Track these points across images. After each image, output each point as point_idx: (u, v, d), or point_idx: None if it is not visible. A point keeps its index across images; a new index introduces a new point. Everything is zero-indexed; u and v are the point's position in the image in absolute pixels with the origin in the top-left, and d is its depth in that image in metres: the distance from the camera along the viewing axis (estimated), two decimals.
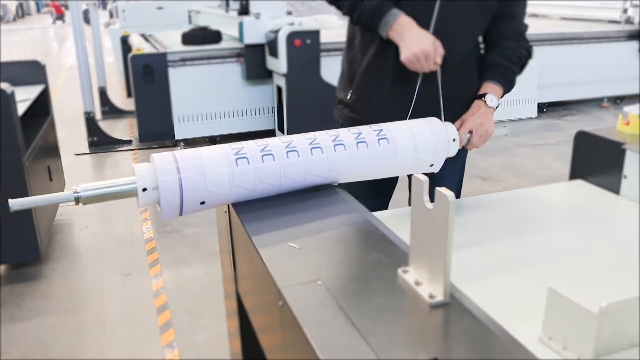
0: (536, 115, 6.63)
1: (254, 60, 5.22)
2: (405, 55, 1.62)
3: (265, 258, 1.12)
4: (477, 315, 0.89)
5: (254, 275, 1.25)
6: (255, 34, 5.12)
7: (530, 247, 1.41)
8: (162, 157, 1.28)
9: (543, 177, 4.48)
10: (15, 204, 1.18)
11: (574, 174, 1.89)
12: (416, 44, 1.60)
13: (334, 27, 4.95)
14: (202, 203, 1.30)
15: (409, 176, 1.76)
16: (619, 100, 7.25)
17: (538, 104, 6.63)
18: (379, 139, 1.46)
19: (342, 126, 1.96)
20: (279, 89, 5.18)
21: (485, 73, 1.81)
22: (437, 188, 0.88)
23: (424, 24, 1.66)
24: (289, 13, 5.57)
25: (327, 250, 1.15)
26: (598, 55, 6.71)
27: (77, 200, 1.22)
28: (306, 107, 4.94)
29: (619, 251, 1.40)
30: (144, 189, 1.25)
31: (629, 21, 7.24)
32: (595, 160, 1.83)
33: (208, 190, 1.29)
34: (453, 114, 1.72)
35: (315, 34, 4.95)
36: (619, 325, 0.97)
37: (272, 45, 4.96)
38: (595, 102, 7.31)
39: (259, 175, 1.34)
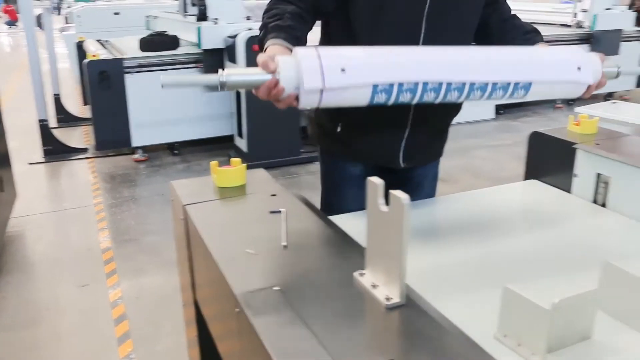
0: (494, 117, 6.76)
1: (212, 66, 5.17)
2: None
3: (221, 264, 1.10)
4: (433, 315, 0.90)
5: (211, 283, 1.23)
6: (213, 40, 5.08)
7: (485, 246, 1.43)
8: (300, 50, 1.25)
9: (500, 178, 4.56)
10: (167, 80, 1.18)
11: (529, 174, 1.93)
12: None
13: None
14: (343, 70, 1.21)
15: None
16: (571, 102, 7.44)
17: (495, 105, 6.76)
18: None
19: (326, 158, 1.94)
20: (238, 94, 5.15)
21: (522, 42, 1.67)
22: (391, 191, 0.88)
23: (412, 41, 1.57)
24: (248, 18, 5.53)
25: (284, 255, 1.14)
26: None
27: (223, 85, 1.20)
28: (265, 112, 4.92)
29: (571, 248, 1.43)
30: (285, 61, 1.22)
31: (579, 25, 7.46)
32: (548, 160, 1.87)
33: (344, 55, 1.25)
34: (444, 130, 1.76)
35: None
36: (570, 320, 0.99)
37: (231, 50, 4.94)
38: (549, 104, 7.51)
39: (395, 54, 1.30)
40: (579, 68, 1.37)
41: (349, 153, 1.78)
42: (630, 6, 7.90)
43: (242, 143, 5.22)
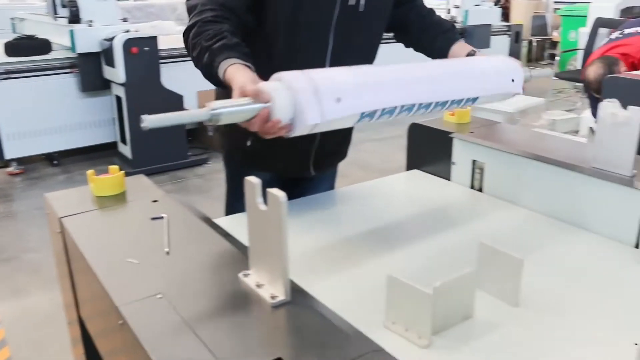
0: None
1: (89, 71, 4.94)
2: None
3: (101, 277, 1.06)
4: (319, 310, 0.90)
5: (93, 297, 1.17)
6: (88, 43, 4.84)
7: (372, 236, 1.47)
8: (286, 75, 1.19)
9: (387, 169, 4.69)
10: (149, 121, 1.03)
11: (411, 164, 2.00)
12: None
13: (172, 33, 4.82)
14: (338, 100, 1.18)
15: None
16: None
17: None
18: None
19: (231, 163, 1.87)
20: (119, 99, 4.95)
21: (442, 41, 1.73)
22: (269, 190, 0.87)
23: (318, 63, 1.56)
24: (125, 20, 5.33)
25: (167, 261, 1.10)
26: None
27: (216, 120, 1.11)
28: None
29: (451, 232, 1.49)
30: (276, 89, 1.15)
31: (453, 20, 7.84)
32: (428, 150, 1.94)
33: (336, 82, 1.21)
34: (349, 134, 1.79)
35: (152, 41, 4.79)
36: (452, 301, 1.03)
37: (108, 53, 4.73)
38: None
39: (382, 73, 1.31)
40: (512, 80, 1.53)
41: (258, 164, 1.70)
42: (496, 3, 8.44)
43: (126, 149, 5.03)
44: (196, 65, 1.42)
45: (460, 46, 1.71)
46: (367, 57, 1.70)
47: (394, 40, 1.86)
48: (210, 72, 1.35)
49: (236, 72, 1.28)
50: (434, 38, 1.75)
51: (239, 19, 1.46)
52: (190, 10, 1.48)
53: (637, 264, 1.30)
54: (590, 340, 1.04)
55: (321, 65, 1.56)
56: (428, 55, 1.78)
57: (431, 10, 1.82)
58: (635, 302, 1.16)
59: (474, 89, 1.44)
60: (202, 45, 1.37)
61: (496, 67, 1.52)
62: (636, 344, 0.79)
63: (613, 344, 1.01)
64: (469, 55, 1.67)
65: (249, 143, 1.68)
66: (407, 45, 1.85)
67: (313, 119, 1.15)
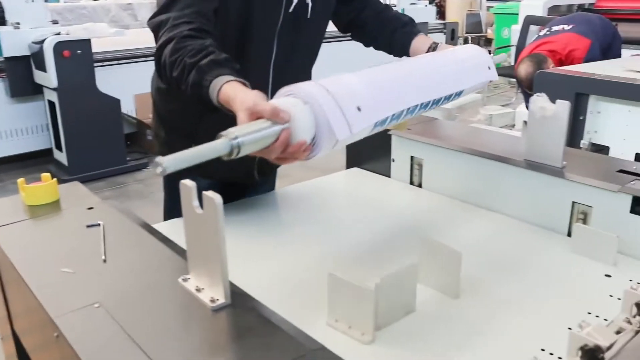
0: None
1: (18, 75, 4.75)
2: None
3: (34, 288, 1.02)
4: (260, 311, 0.90)
5: (27, 310, 1.13)
6: (16, 46, 4.66)
7: (313, 235, 1.47)
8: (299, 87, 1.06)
9: (327, 169, 4.71)
10: (168, 162, 0.87)
11: (350, 162, 2.01)
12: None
13: (106, 36, 4.70)
14: (359, 109, 1.07)
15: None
16: None
17: None
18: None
19: (170, 178, 1.77)
20: (52, 105, 4.79)
21: (402, 35, 1.69)
22: (204, 193, 0.86)
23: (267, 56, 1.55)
24: (55, 22, 5.16)
25: (104, 269, 1.07)
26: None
27: (238, 151, 0.95)
28: (84, 122, 4.65)
29: (392, 228, 1.51)
30: (294, 106, 1.02)
31: None
32: (367, 148, 1.96)
33: (352, 89, 1.09)
34: None
35: (85, 43, 4.65)
36: (394, 296, 1.04)
37: (38, 57, 4.57)
38: None
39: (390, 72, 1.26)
40: (489, 67, 1.52)
41: (200, 171, 1.63)
42: (431, 1, 8.63)
43: (61, 156, 4.87)
44: (177, 85, 1.29)
45: (421, 40, 1.68)
46: (311, 56, 1.71)
47: (337, 39, 1.86)
48: (198, 92, 1.22)
49: (236, 90, 1.14)
50: (392, 33, 1.71)
51: (213, 28, 1.36)
52: (159, 26, 1.34)
53: (570, 252, 1.35)
54: (528, 327, 1.07)
55: (266, 67, 1.55)
56: (388, 52, 1.76)
57: (387, 6, 1.79)
58: (570, 289, 1.21)
59: (462, 82, 1.43)
60: (185, 62, 1.24)
61: (473, 57, 1.52)
62: (570, 329, 0.82)
63: (549, 330, 1.05)
64: (431, 47, 1.64)
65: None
66: (366, 44, 1.82)
67: (342, 133, 1.02)
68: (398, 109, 1.20)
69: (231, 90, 1.14)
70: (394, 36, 1.71)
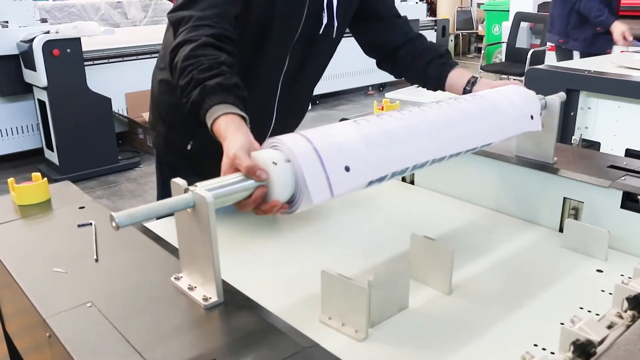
0: (310, 107, 6.98)
1: (7, 75, 4.72)
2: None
3: (26, 288, 1.01)
4: (253, 309, 0.90)
5: (19, 311, 1.13)
6: (4, 45, 4.62)
7: (305, 232, 1.47)
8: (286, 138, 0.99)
9: None
10: (122, 218, 0.82)
11: None
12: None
13: (96, 34, 4.67)
14: (347, 169, 1.00)
15: None
16: (382, 88, 7.97)
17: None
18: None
19: (165, 168, 1.78)
20: (42, 104, 4.76)
21: (438, 68, 1.59)
22: (196, 190, 0.86)
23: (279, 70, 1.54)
24: (44, 20, 5.13)
25: (96, 269, 1.07)
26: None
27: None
28: (75, 121, 4.62)
29: (386, 224, 1.52)
30: (274, 163, 0.95)
31: None
32: None
33: (344, 149, 1.01)
34: None
35: (75, 42, 4.62)
36: (387, 293, 1.04)
37: (28, 56, 4.54)
38: (362, 91, 7.96)
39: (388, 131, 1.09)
40: (532, 117, 1.37)
41: (196, 170, 1.53)
42: None
43: (52, 156, 4.84)
44: (180, 94, 1.23)
45: (458, 73, 1.56)
46: (320, 71, 1.71)
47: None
48: (196, 112, 1.17)
49: (228, 130, 1.08)
50: (426, 64, 1.60)
51: (234, 33, 1.32)
52: (179, 22, 1.30)
53: (561, 247, 1.36)
54: (520, 323, 1.07)
55: (276, 78, 1.55)
56: (421, 85, 1.67)
57: (420, 35, 1.69)
58: (561, 284, 1.21)
59: (493, 135, 1.28)
60: (194, 76, 1.18)
61: (514, 103, 1.34)
62: (562, 324, 0.82)
63: (541, 325, 1.05)
64: (470, 82, 1.52)
65: (189, 147, 1.61)
66: (396, 75, 1.72)
67: (319, 197, 0.96)
68: (400, 167, 1.10)
69: (224, 127, 1.10)
70: (428, 68, 1.60)
